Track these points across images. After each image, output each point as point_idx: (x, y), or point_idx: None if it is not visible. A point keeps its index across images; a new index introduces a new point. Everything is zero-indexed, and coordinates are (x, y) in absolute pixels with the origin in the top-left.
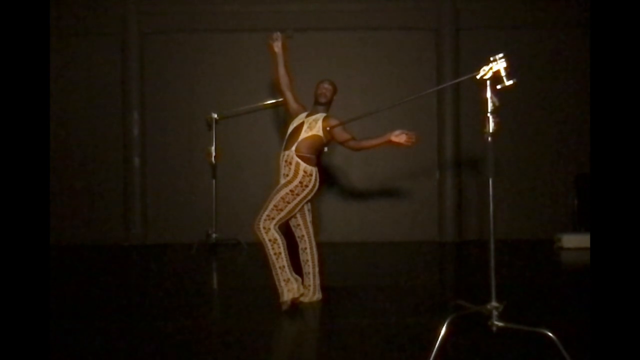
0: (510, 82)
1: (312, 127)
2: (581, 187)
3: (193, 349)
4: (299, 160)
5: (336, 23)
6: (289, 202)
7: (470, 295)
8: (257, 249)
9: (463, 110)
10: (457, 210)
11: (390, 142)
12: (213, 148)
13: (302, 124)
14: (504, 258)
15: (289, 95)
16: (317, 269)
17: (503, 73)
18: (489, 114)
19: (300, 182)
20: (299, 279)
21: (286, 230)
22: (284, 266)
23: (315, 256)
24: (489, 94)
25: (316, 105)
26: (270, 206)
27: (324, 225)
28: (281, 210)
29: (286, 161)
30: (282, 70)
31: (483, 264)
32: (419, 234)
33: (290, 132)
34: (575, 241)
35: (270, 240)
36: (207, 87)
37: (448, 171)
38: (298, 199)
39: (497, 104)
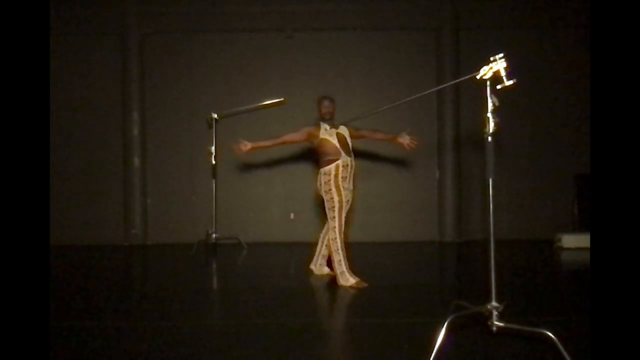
0: (510, 82)
1: (349, 138)
2: (581, 187)
3: (193, 349)
4: None
5: (336, 23)
6: None
7: (470, 295)
8: (257, 248)
9: (463, 110)
10: (457, 210)
11: (395, 140)
12: (213, 148)
13: (341, 134)
14: (504, 258)
15: (299, 136)
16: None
17: (503, 73)
18: (489, 114)
19: None
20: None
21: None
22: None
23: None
24: (489, 94)
25: (323, 121)
26: None
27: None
28: None
29: (352, 166)
30: (273, 142)
31: (483, 264)
32: (419, 234)
33: (343, 142)
34: (575, 241)
35: None
36: (207, 87)
37: (448, 171)
38: None
39: (497, 104)
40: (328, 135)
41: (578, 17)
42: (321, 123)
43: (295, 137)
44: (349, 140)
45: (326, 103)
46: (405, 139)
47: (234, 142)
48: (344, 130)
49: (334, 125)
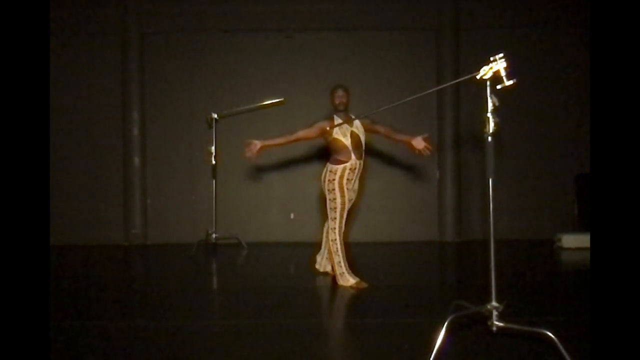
0: (510, 82)
1: (364, 135)
2: (581, 187)
3: (193, 349)
4: None
5: (336, 23)
6: None
7: (470, 295)
8: (257, 248)
9: (463, 111)
10: (457, 210)
11: (409, 143)
12: (213, 148)
13: (356, 133)
14: (504, 258)
15: (312, 133)
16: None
17: (503, 73)
18: (489, 114)
19: None
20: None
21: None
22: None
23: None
24: (489, 94)
25: (337, 112)
26: None
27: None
28: None
29: (359, 169)
30: (286, 140)
31: (483, 264)
32: (419, 234)
33: (356, 142)
34: (575, 241)
35: None
36: (207, 87)
37: (448, 171)
38: None
39: (497, 104)
40: (341, 135)
41: (578, 17)
42: (335, 115)
43: (309, 133)
44: (363, 139)
45: (340, 93)
46: (420, 144)
47: (241, 143)
48: (358, 128)
49: (348, 121)
